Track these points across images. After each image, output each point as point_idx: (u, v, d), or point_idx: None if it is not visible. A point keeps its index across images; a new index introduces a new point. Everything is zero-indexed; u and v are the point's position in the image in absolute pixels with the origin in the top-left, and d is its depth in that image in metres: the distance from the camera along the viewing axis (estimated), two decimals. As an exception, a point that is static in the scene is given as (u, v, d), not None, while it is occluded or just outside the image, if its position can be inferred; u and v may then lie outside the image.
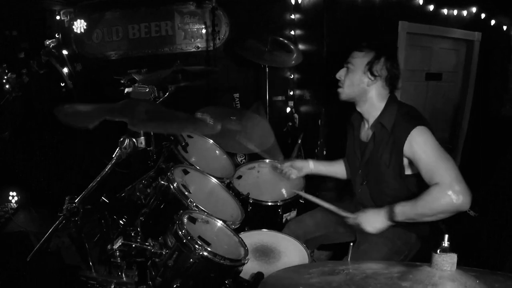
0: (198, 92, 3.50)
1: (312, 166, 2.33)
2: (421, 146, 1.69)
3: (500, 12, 3.67)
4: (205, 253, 1.48)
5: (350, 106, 2.22)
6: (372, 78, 1.88)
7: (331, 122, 3.45)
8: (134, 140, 1.26)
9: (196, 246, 1.47)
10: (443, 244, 0.91)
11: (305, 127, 3.52)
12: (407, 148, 1.73)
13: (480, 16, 3.76)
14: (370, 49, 1.88)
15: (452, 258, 0.90)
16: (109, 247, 1.40)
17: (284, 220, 2.37)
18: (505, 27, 3.72)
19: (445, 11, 3.67)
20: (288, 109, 3.95)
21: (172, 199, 1.78)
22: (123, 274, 1.46)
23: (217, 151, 2.52)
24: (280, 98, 3.93)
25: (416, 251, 1.96)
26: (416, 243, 1.97)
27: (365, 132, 2.03)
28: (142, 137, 1.26)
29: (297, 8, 3.82)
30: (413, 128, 1.71)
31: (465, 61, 4.26)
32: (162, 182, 1.83)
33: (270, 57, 3.25)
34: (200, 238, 1.54)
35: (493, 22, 3.75)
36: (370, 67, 1.87)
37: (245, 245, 1.72)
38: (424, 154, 1.68)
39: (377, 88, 1.90)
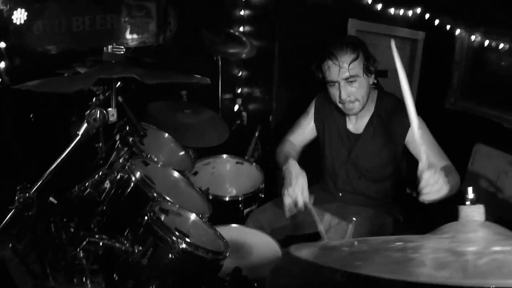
0: (144, 89, 3.23)
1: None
2: (425, 132, 1.81)
3: (443, 13, 3.80)
4: (186, 246, 1.30)
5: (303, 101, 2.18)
6: (370, 75, 1.85)
7: (284, 118, 3.43)
8: (104, 112, 1.06)
9: (174, 238, 1.29)
10: (469, 196, 0.88)
11: (255, 125, 3.44)
12: (411, 134, 1.80)
13: (424, 17, 3.87)
14: (358, 50, 1.80)
15: (480, 208, 0.87)
16: (71, 250, 1.16)
17: (245, 215, 2.27)
18: (448, 27, 3.86)
19: (392, 10, 3.77)
20: (236, 107, 3.84)
21: (134, 192, 1.56)
22: (88, 281, 1.22)
23: (172, 144, 2.33)
24: (228, 96, 3.81)
25: (389, 234, 1.97)
26: (389, 226, 2.00)
27: (355, 123, 2.01)
28: (113, 109, 1.06)
29: (247, 3, 3.74)
30: None
31: (409, 58, 4.42)
32: (121, 174, 1.60)
33: (224, 49, 3.14)
34: (177, 230, 1.36)
35: (437, 22, 3.86)
36: (367, 67, 1.82)
37: (223, 237, 1.57)
38: (428, 139, 1.79)
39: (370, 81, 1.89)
